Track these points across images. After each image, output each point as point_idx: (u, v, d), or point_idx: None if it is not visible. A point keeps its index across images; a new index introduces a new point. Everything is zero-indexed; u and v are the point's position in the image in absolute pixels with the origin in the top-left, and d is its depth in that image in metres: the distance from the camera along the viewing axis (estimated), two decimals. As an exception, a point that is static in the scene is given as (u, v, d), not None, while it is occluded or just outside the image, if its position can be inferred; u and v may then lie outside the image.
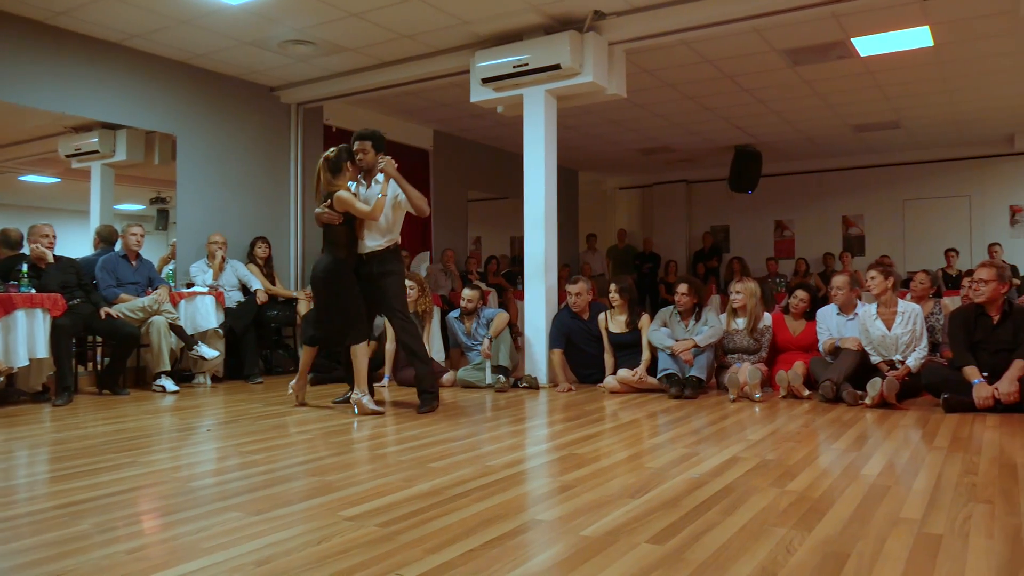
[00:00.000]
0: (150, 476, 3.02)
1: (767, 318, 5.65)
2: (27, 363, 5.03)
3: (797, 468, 3.03)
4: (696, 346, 5.35)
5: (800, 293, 5.71)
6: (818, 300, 5.96)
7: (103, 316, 5.52)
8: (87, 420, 4.51)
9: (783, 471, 2.97)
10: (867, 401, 4.68)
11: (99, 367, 6.01)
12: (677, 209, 13.08)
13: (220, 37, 6.33)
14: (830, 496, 2.59)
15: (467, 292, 6.25)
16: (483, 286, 8.36)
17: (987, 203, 10.95)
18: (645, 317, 5.82)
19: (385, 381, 6.02)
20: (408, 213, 4.78)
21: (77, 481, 2.90)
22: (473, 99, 6.56)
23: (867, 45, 6.54)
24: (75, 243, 6.36)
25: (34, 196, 6.81)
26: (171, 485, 2.88)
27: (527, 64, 6.02)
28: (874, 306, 5.11)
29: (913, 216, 11.45)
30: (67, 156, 6.59)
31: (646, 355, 5.60)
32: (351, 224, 4.61)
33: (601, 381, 5.77)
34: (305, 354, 4.96)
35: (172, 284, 6.49)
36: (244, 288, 6.88)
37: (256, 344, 6.63)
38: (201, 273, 6.70)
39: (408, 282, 5.37)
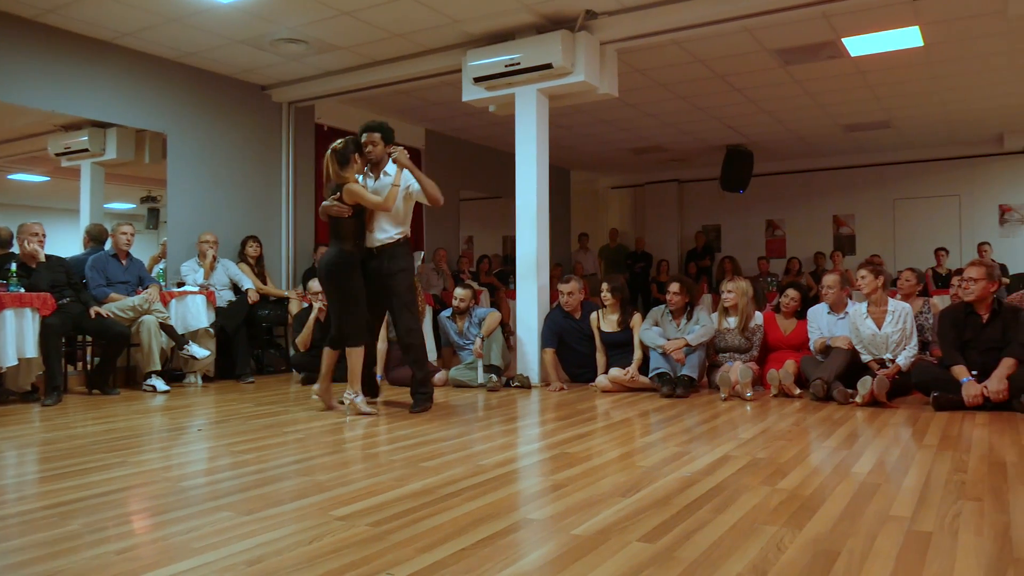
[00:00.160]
0: (140, 476, 3.01)
1: (758, 317, 5.67)
2: (16, 363, 5.00)
3: (788, 466, 3.04)
4: (688, 345, 5.36)
5: (791, 292, 5.73)
6: (809, 299, 5.98)
7: (93, 315, 5.48)
8: (77, 420, 4.48)
9: (774, 469, 2.98)
10: (857, 400, 4.70)
11: (89, 367, 5.97)
12: (669, 208, 13.11)
13: (211, 35, 6.30)
14: (821, 494, 2.60)
15: (459, 291, 6.24)
16: (475, 285, 8.34)
17: (977, 202, 11.02)
18: (637, 316, 5.83)
19: (377, 380, 6.00)
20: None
21: (67, 481, 2.88)
22: (465, 98, 6.55)
23: (857, 45, 6.57)
24: (65, 242, 6.32)
25: (23, 195, 6.76)
26: (162, 485, 2.87)
27: (519, 63, 6.02)
28: (864, 305, 5.13)
29: (903, 215, 11.51)
30: (57, 154, 6.56)
31: (638, 354, 5.61)
32: (360, 217, 4.52)
33: (593, 380, 5.78)
34: (328, 357, 4.72)
35: (163, 283, 6.46)
36: (235, 287, 6.86)
37: (247, 343, 6.61)
38: (192, 272, 6.67)
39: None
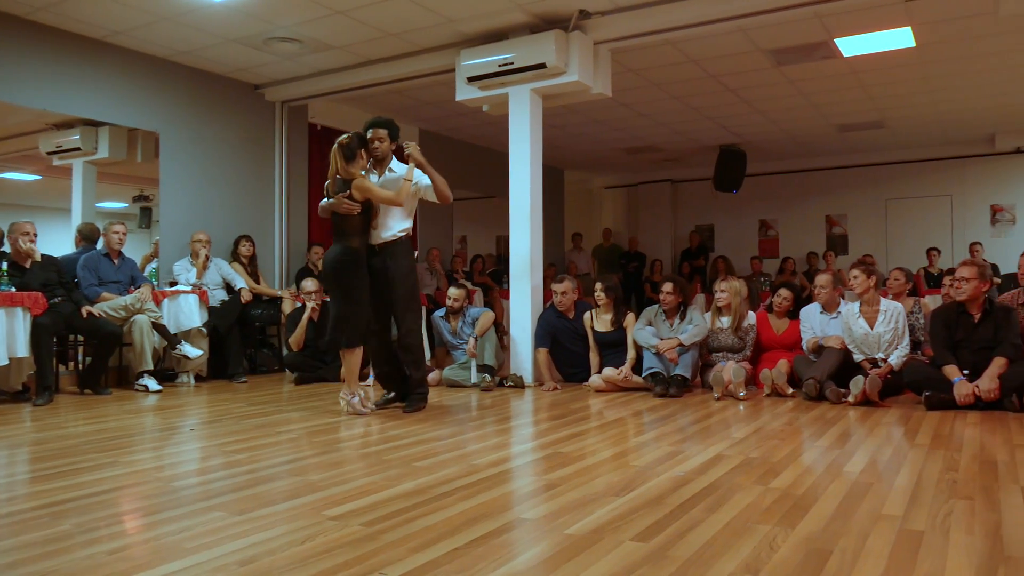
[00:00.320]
0: (132, 476, 3.00)
1: (751, 317, 5.68)
2: (7, 362, 4.98)
3: (781, 466, 3.05)
4: (681, 345, 5.37)
5: (783, 292, 5.75)
6: (802, 299, 6.00)
7: (85, 315, 5.46)
8: (68, 420, 4.46)
9: (767, 469, 2.99)
10: (850, 399, 4.71)
11: (80, 366, 5.94)
12: (662, 208, 13.12)
13: (204, 34, 6.28)
14: (813, 493, 2.61)
15: (453, 291, 6.24)
16: (469, 285, 8.36)
17: (968, 202, 11.07)
18: (630, 316, 5.84)
19: (370, 380, 6.00)
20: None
21: (58, 481, 2.87)
22: (459, 98, 6.55)
23: (850, 45, 6.59)
24: (57, 241, 6.29)
25: (14, 193, 6.73)
26: (153, 485, 2.86)
27: (512, 63, 6.02)
28: (857, 305, 5.15)
29: (895, 215, 11.55)
30: (48, 153, 6.53)
31: (631, 354, 5.61)
32: (366, 213, 4.45)
33: (586, 380, 5.79)
34: (351, 357, 4.54)
35: (155, 283, 6.44)
36: (228, 287, 6.84)
37: (240, 343, 6.59)
38: (184, 271, 6.65)
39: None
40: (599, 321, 5.88)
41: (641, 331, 5.58)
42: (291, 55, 6.79)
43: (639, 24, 5.85)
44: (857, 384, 4.66)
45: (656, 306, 5.76)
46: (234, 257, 7.14)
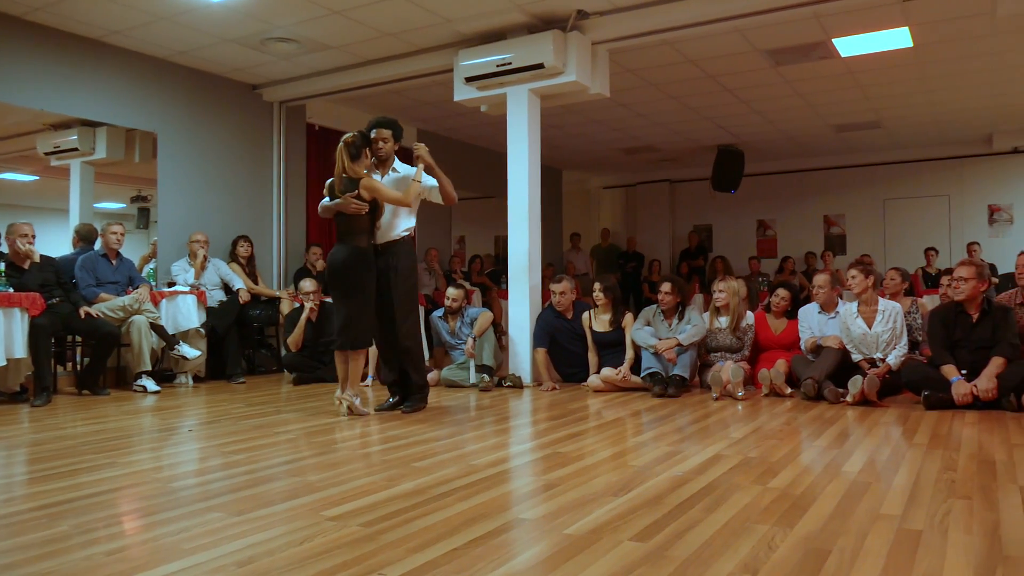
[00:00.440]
0: (130, 477, 2.99)
1: (749, 317, 5.69)
2: (5, 363, 4.97)
3: (779, 465, 3.05)
4: (679, 345, 5.37)
5: (781, 291, 5.75)
6: (800, 299, 6.00)
7: (82, 315, 5.45)
8: (66, 421, 4.46)
9: (765, 468, 2.99)
10: (848, 399, 4.72)
11: (79, 367, 5.94)
12: (660, 208, 13.13)
13: (202, 34, 6.28)
14: (812, 493, 2.61)
15: (451, 291, 6.24)
16: (467, 285, 8.36)
17: (966, 202, 11.09)
18: (629, 316, 5.84)
19: (369, 381, 6.01)
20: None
21: (56, 482, 2.86)
22: (457, 98, 6.55)
23: (848, 46, 6.60)
24: (54, 242, 6.28)
25: (12, 194, 6.72)
26: (152, 486, 2.86)
27: (510, 63, 6.02)
28: (855, 304, 5.15)
29: (893, 215, 11.56)
30: (46, 154, 6.52)
31: (630, 354, 5.61)
32: (372, 213, 4.43)
33: (585, 380, 5.79)
34: (345, 360, 4.53)
35: (153, 283, 6.43)
36: (226, 287, 6.84)
37: (238, 344, 6.59)
38: (183, 272, 6.65)
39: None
40: (597, 321, 5.88)
41: (639, 331, 5.58)
42: (289, 55, 6.79)
43: (637, 24, 5.86)
44: (855, 384, 4.66)
45: (654, 306, 5.76)
46: (232, 257, 7.14)
